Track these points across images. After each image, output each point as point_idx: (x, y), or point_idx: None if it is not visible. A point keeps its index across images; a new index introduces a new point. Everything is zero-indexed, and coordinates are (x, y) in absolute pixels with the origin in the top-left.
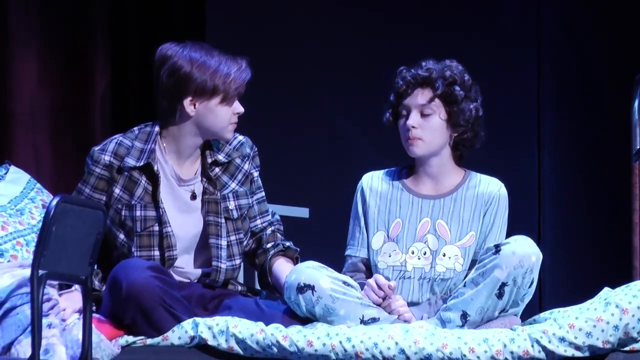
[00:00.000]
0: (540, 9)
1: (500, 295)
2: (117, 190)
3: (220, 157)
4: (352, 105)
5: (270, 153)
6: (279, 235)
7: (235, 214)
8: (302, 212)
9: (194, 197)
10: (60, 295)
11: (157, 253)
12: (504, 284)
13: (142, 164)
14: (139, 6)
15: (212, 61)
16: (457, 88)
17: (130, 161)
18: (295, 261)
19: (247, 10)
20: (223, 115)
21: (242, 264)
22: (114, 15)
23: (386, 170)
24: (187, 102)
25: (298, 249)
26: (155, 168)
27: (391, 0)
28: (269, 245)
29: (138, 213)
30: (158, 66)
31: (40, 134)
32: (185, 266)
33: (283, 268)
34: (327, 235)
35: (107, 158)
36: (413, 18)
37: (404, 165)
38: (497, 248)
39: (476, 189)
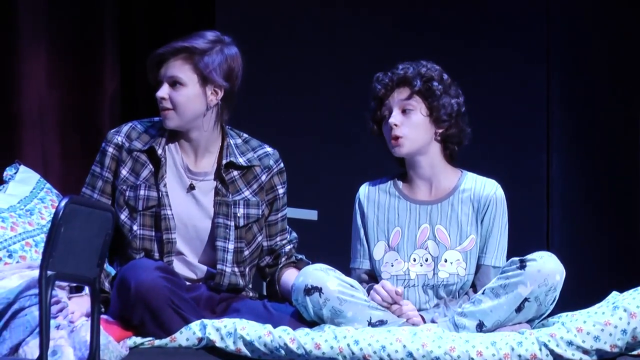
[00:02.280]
0: (549, 13)
1: (519, 310)
2: (124, 172)
3: (240, 160)
4: (361, 106)
5: (278, 155)
6: (294, 251)
7: (241, 222)
8: (311, 215)
9: (192, 187)
10: (70, 299)
11: (155, 234)
12: (525, 299)
13: (147, 147)
14: (147, 6)
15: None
16: (435, 83)
17: (137, 144)
18: None
19: (256, 12)
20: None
21: (249, 276)
22: (122, 16)
23: (380, 179)
24: None
25: (310, 262)
26: (160, 152)
27: (401, 5)
28: (283, 259)
29: (142, 192)
30: None
31: (48, 134)
32: (189, 256)
33: (292, 276)
34: (335, 238)
35: (119, 138)
36: (420, 22)
37: (397, 173)
38: (522, 263)
39: (472, 192)
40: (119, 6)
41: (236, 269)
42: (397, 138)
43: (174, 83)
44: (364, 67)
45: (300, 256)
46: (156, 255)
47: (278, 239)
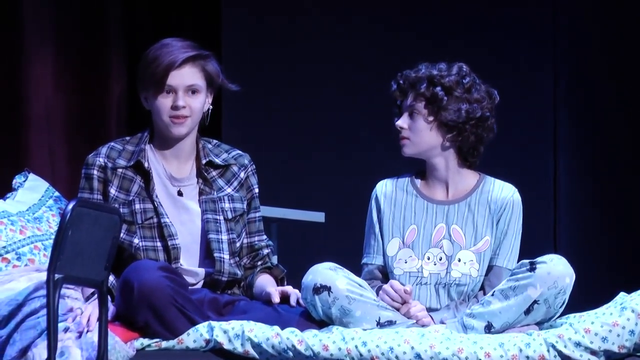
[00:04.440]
0: (555, 11)
1: (528, 312)
2: (112, 191)
3: (217, 160)
4: (368, 108)
5: (286, 157)
6: (268, 258)
7: (229, 215)
8: (318, 217)
9: (180, 194)
10: (88, 303)
11: (159, 244)
12: (535, 302)
13: (132, 163)
14: (153, 10)
15: (157, 52)
16: (439, 89)
17: (122, 162)
18: (281, 281)
19: (262, 14)
20: (159, 107)
21: (240, 266)
22: (128, 19)
23: (399, 176)
24: (142, 98)
25: (285, 270)
26: (146, 165)
27: (408, 6)
28: (259, 262)
29: (137, 206)
30: None
31: (55, 137)
32: (187, 263)
33: (265, 282)
34: (343, 240)
35: (101, 160)
36: (425, 22)
37: (416, 171)
38: (532, 265)
39: (490, 194)
40: (124, 8)
41: (232, 261)
42: (402, 139)
43: (192, 90)
44: (372, 68)
45: (275, 263)
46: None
47: (256, 238)
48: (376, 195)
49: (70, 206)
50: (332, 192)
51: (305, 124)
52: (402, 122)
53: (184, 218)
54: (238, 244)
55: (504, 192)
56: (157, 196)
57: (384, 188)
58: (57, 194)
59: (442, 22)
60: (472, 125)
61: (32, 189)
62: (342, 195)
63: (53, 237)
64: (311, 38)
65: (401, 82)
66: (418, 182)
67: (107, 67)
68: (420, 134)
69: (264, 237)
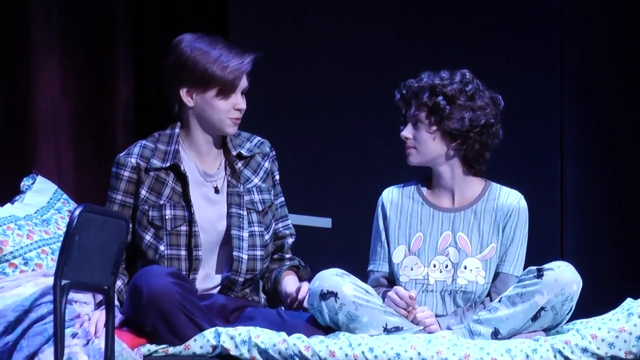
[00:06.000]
0: (562, 16)
1: (535, 318)
2: (143, 192)
3: (243, 151)
4: (376, 113)
5: (293, 162)
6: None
7: (259, 207)
8: (325, 222)
9: (217, 191)
10: (99, 310)
11: (184, 252)
12: (542, 308)
13: (168, 164)
14: (161, 14)
15: (213, 52)
16: (440, 98)
17: (156, 162)
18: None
19: (269, 19)
20: (221, 108)
21: (265, 259)
22: (136, 23)
23: (405, 184)
24: (183, 92)
25: (310, 273)
26: (182, 168)
27: (416, 11)
28: (287, 255)
29: (167, 212)
30: (168, 55)
31: (62, 141)
32: (208, 267)
33: (290, 285)
34: (349, 245)
35: (133, 160)
36: (432, 27)
37: (423, 178)
38: (540, 272)
39: (496, 201)
40: (131, 13)
41: (257, 253)
42: (408, 148)
43: (243, 92)
44: (378, 74)
45: (304, 263)
46: (183, 273)
47: (280, 225)
48: (382, 203)
49: (77, 212)
50: (338, 198)
51: (312, 129)
52: (407, 132)
53: (215, 213)
54: (267, 237)
55: (510, 199)
56: (192, 201)
57: (390, 195)
58: (65, 196)
59: (450, 28)
60: (476, 132)
61: (40, 192)
62: (349, 201)
63: (61, 240)
64: (318, 42)
65: (404, 91)
66: (424, 189)
67: (114, 71)
68: (424, 143)
69: (289, 222)
